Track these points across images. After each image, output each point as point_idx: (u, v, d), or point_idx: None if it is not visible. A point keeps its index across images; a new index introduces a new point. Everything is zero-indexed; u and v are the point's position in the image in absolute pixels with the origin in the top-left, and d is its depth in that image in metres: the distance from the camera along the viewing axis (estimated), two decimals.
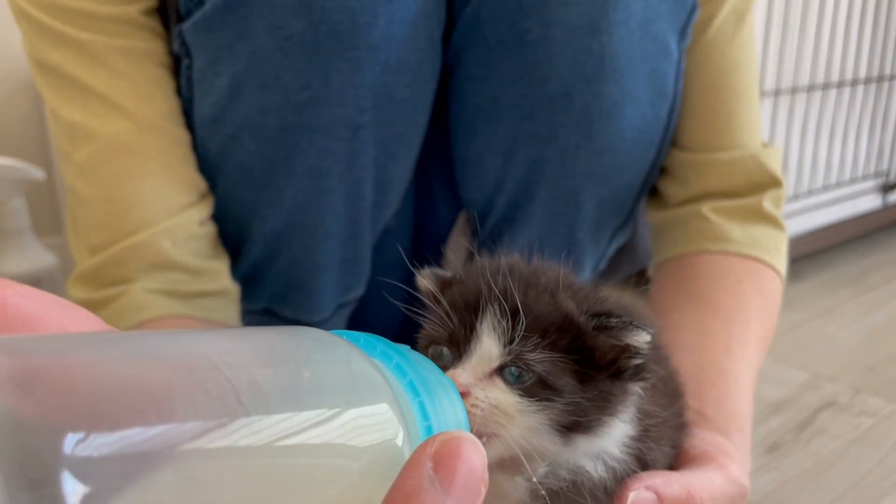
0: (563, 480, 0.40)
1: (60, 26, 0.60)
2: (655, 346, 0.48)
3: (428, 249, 0.87)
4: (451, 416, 0.29)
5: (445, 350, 0.40)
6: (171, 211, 0.62)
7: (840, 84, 1.65)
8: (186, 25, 0.60)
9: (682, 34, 0.67)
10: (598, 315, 0.39)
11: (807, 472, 1.01)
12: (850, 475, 1.00)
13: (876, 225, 1.89)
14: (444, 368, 0.39)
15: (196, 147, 0.65)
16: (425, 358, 0.31)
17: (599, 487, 0.40)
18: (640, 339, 0.38)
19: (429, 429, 0.27)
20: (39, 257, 1.20)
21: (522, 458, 0.37)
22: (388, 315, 0.78)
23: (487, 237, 0.80)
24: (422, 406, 0.27)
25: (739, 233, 0.71)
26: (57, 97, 0.62)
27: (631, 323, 0.38)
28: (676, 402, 0.48)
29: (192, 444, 0.19)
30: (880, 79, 1.76)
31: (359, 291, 0.78)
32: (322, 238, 0.69)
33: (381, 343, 0.29)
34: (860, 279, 1.71)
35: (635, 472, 0.41)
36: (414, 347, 0.44)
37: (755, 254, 0.70)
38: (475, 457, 0.23)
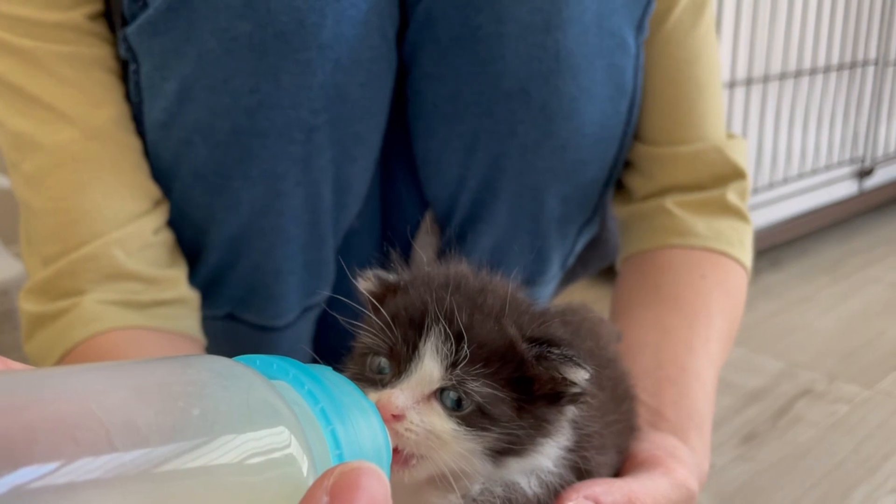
0: (496, 498, 0.39)
1: (3, 34, 0.59)
2: (601, 349, 0.48)
3: (395, 249, 0.86)
4: (368, 442, 0.28)
5: (384, 362, 0.39)
6: (122, 220, 0.61)
7: (812, 71, 1.65)
8: (131, 29, 0.59)
9: (639, 27, 0.66)
10: (540, 343, 0.38)
11: (782, 461, 1.01)
12: (826, 463, 1.00)
13: (853, 211, 1.89)
14: (383, 382, 0.38)
15: (148, 153, 0.64)
16: (345, 381, 0.30)
17: (533, 503, 0.40)
18: (579, 375, 0.38)
19: (340, 457, 0.26)
20: (7, 267, 1.18)
21: (451, 479, 0.37)
22: (355, 318, 0.77)
23: (454, 235, 0.80)
24: (334, 434, 0.27)
25: (703, 227, 0.70)
26: (2, 106, 0.61)
27: (571, 358, 0.37)
28: (623, 405, 0.48)
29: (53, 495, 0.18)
30: (853, 65, 1.77)
31: (324, 294, 0.77)
32: (282, 242, 0.68)
33: (294, 368, 0.28)
34: (837, 266, 1.72)
35: (572, 482, 0.41)
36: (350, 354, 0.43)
37: (719, 247, 0.70)
38: (376, 489, 0.23)
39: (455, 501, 0.39)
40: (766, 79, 1.54)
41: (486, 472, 0.38)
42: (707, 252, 0.69)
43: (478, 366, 0.37)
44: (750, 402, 1.15)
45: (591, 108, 0.66)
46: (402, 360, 0.38)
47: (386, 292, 0.42)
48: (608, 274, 0.96)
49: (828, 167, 1.79)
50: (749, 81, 1.50)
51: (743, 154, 0.75)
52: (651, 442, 0.48)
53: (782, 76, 1.58)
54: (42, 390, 0.21)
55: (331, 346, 0.83)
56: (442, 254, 0.85)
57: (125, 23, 0.59)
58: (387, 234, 0.85)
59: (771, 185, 1.63)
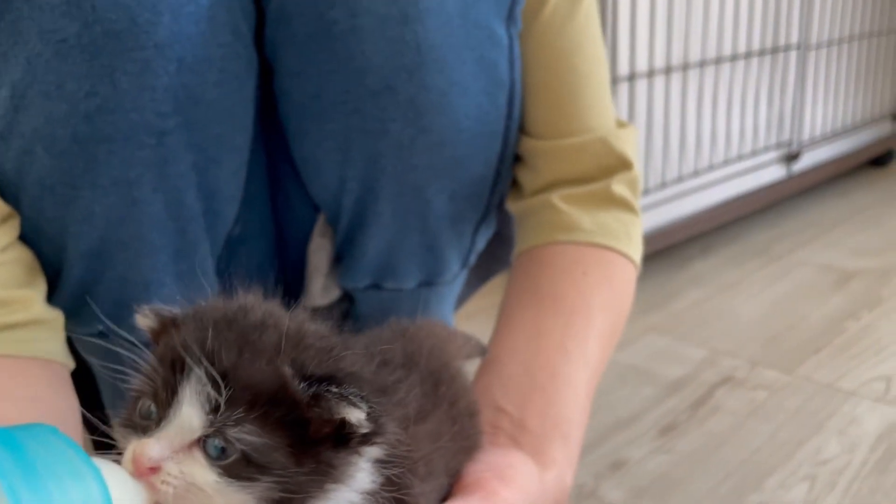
0: None
1: None
2: (439, 368, 0.45)
3: (291, 253, 0.83)
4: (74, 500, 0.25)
5: (152, 406, 0.36)
6: None
7: (734, 58, 1.66)
8: None
9: (510, 18, 0.64)
10: (319, 381, 0.35)
11: (699, 451, 1.01)
12: (742, 451, 1.00)
13: (781, 195, 1.91)
14: (149, 428, 0.36)
15: None
16: (66, 444, 0.28)
17: None
18: (355, 415, 0.35)
19: None
20: None
21: None
22: None
23: (344, 238, 0.77)
24: (12, 489, 0.24)
25: (588, 221, 0.69)
26: None
27: (346, 396, 0.35)
28: (457, 425, 0.45)
29: None
30: (775, 49, 1.78)
31: None
32: (147, 252, 0.64)
33: None
34: (766, 250, 1.73)
35: None
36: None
37: (605, 242, 0.68)
38: None
39: None
40: (685, 66, 1.53)
41: None
42: (592, 247, 0.68)
43: (240, 410, 0.34)
44: (671, 393, 1.15)
45: (464, 102, 0.64)
46: (162, 406, 0.35)
47: (164, 329, 0.39)
48: None
49: (755, 152, 1.80)
50: (668, 70, 1.49)
51: (632, 143, 0.73)
52: (483, 462, 0.46)
53: (702, 63, 1.58)
54: None
55: None
56: (336, 257, 0.83)
57: None
58: (280, 238, 0.82)
59: (696, 173, 1.64)
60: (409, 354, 0.41)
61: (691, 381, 1.18)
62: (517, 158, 0.76)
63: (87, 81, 0.54)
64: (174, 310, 0.40)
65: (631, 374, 1.20)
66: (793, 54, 1.83)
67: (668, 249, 1.65)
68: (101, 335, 0.71)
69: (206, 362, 0.35)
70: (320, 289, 0.81)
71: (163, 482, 0.33)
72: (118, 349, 0.72)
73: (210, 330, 0.36)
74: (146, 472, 0.33)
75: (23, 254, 0.62)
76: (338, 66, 0.60)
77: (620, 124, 0.75)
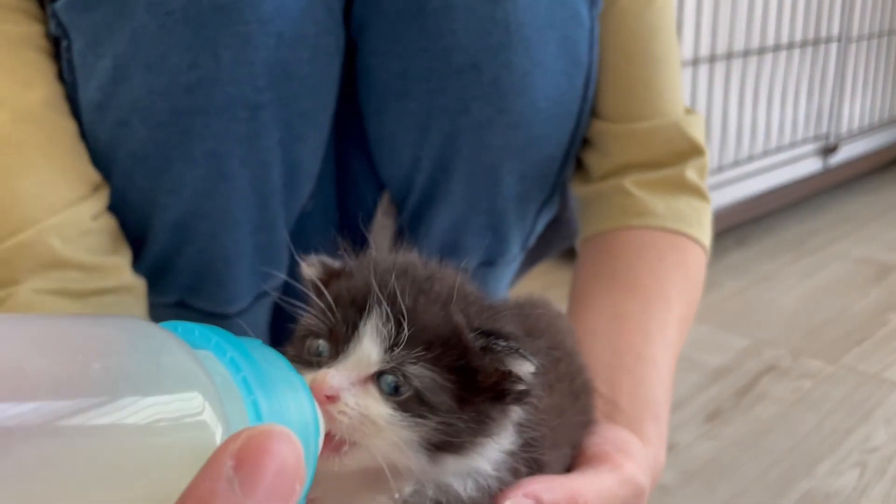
0: (429, 500, 0.37)
1: None
2: (559, 343, 0.46)
3: (352, 232, 0.84)
4: (295, 417, 0.27)
5: (323, 344, 0.37)
6: (58, 206, 0.58)
7: (776, 48, 1.65)
8: (59, 4, 0.56)
9: (593, 0, 0.65)
10: (486, 334, 0.37)
11: (746, 438, 1.01)
12: (789, 439, 1.01)
13: (817, 188, 1.91)
14: (320, 364, 0.37)
15: (85, 135, 0.61)
16: (276, 354, 0.29)
17: None
18: (524, 368, 0.36)
19: None
20: None
21: (387, 471, 0.35)
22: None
23: (410, 216, 0.78)
24: (255, 404, 0.25)
25: (662, 206, 0.69)
26: None
27: (517, 350, 0.36)
28: (580, 400, 0.46)
29: None
30: (816, 41, 1.77)
31: (278, 280, 0.75)
32: (230, 226, 0.66)
33: (217, 336, 0.27)
34: (801, 243, 1.73)
35: (511, 484, 0.39)
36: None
37: (678, 227, 0.69)
38: (287, 453, 0.21)
39: (385, 502, 0.38)
40: (729, 55, 1.53)
41: (421, 469, 0.37)
42: (666, 233, 0.68)
43: (419, 349, 0.36)
44: (715, 380, 1.15)
45: (545, 83, 0.64)
46: (340, 342, 0.36)
47: (330, 278, 0.40)
48: (571, 255, 0.95)
49: (792, 144, 1.80)
50: (713, 59, 1.49)
51: (701, 130, 0.73)
52: (601, 436, 0.47)
53: (746, 53, 1.57)
54: None
55: (288, 333, 0.81)
56: (398, 235, 0.84)
57: None
58: (342, 216, 0.84)
59: (736, 163, 1.64)
60: (529, 329, 0.42)
61: (735, 369, 1.19)
62: (584, 142, 0.76)
63: (190, 54, 0.55)
64: (338, 262, 0.41)
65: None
66: (833, 46, 1.83)
67: None
68: (179, 305, 0.73)
69: (387, 302, 0.36)
70: None
71: (339, 412, 0.34)
72: (193, 318, 0.74)
73: (389, 275, 0.37)
74: (324, 401, 0.34)
75: (111, 223, 0.63)
76: (426, 43, 0.61)
77: (688, 111, 0.76)
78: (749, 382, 1.15)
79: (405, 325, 0.36)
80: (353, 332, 0.36)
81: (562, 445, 0.43)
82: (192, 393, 0.23)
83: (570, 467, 0.45)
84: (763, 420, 1.05)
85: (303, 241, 0.77)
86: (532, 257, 0.96)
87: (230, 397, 0.25)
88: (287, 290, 0.78)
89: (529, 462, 0.40)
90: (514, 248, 0.81)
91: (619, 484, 0.44)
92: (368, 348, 0.36)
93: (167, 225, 0.65)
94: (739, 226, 1.77)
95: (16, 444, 0.19)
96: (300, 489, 0.21)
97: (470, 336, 0.37)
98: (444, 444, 0.36)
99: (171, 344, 0.24)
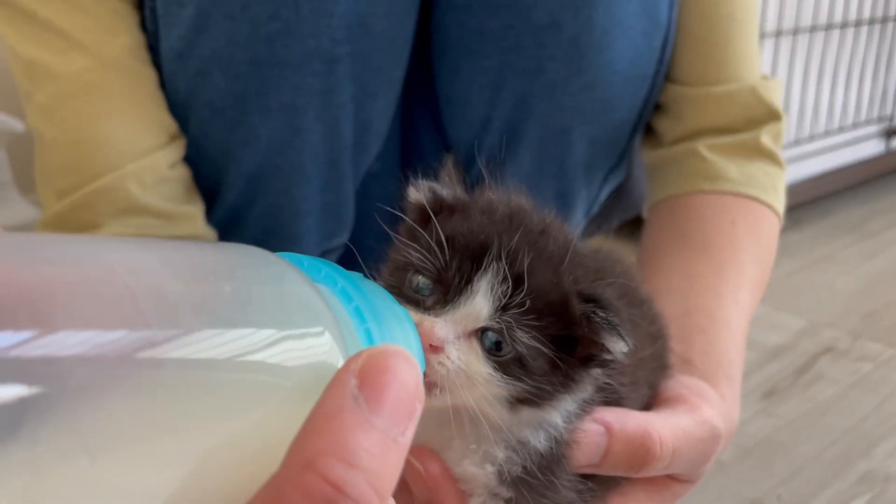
0: (521, 464, 0.38)
1: None
2: (636, 289, 0.46)
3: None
4: (403, 346, 0.27)
5: (427, 284, 0.36)
6: (138, 153, 0.59)
7: (843, 25, 1.60)
8: None
9: None
10: (590, 301, 0.36)
11: (803, 417, 1.00)
12: (847, 420, 0.99)
13: (878, 171, 1.85)
14: (423, 304, 0.36)
15: (164, 85, 0.62)
16: (379, 287, 0.29)
17: (550, 459, 0.38)
18: (618, 347, 0.36)
19: None
20: (22, 211, 1.17)
21: (467, 418, 0.35)
22: (375, 263, 0.76)
23: (475, 180, 0.77)
24: (368, 333, 0.25)
25: (735, 171, 0.68)
26: (15, 33, 0.59)
27: (615, 326, 0.35)
28: (657, 343, 0.46)
29: (73, 350, 0.16)
30: (885, 19, 1.71)
31: (343, 238, 0.75)
32: (301, 181, 0.66)
33: (327, 267, 0.27)
34: (860, 226, 1.68)
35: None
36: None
37: (752, 192, 0.67)
38: (407, 372, 0.21)
39: (490, 470, 0.38)
40: (796, 31, 1.49)
41: (500, 417, 0.37)
42: (738, 197, 0.67)
43: (530, 316, 0.35)
44: (771, 359, 1.14)
45: (623, 43, 0.63)
46: (450, 289, 0.36)
47: (440, 209, 0.39)
48: (627, 230, 0.94)
49: (855, 125, 1.75)
50: (779, 33, 1.46)
51: (779, 95, 0.72)
52: (679, 381, 0.47)
53: (812, 29, 1.53)
54: (62, 249, 0.20)
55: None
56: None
57: None
58: (406, 178, 0.83)
59: (796, 142, 1.60)
60: (602, 273, 0.42)
61: (792, 349, 1.17)
62: (656, 107, 0.75)
63: (272, 5, 0.55)
64: (449, 192, 0.40)
65: None
66: None
67: None
68: None
69: (506, 261, 0.35)
70: None
71: (440, 363, 0.34)
72: None
73: (507, 228, 0.36)
74: (428, 350, 0.34)
75: (186, 173, 0.64)
76: (507, 0, 0.60)
77: (764, 76, 0.74)
78: (806, 363, 1.13)
79: (522, 288, 0.35)
80: (466, 284, 0.35)
81: (641, 385, 0.43)
82: (315, 320, 0.23)
83: (647, 408, 0.45)
84: (820, 400, 1.03)
85: (365, 201, 0.77)
86: (591, 227, 0.95)
87: (346, 325, 0.25)
88: (349, 248, 0.78)
89: (606, 403, 0.40)
90: (577, 214, 0.80)
91: (696, 424, 0.43)
92: (480, 304, 0.35)
93: (240, 178, 0.65)
94: (796, 207, 1.73)
95: (156, 364, 0.19)
96: (420, 407, 0.22)
97: (577, 305, 0.36)
98: (525, 401, 0.36)
99: (291, 273, 0.24)
